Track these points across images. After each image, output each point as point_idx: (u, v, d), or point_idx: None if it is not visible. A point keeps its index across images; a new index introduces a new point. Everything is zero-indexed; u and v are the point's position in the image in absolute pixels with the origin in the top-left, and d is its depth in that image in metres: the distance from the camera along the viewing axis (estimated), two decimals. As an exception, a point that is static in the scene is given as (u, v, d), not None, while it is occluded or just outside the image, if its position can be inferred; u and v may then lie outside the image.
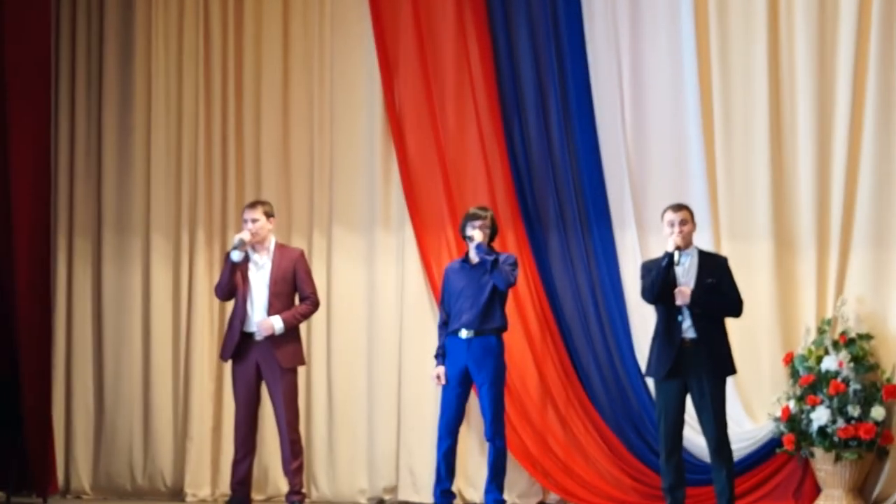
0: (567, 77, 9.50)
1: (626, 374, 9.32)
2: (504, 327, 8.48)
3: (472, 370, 8.40)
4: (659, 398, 8.03)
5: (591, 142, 9.46)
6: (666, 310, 7.96)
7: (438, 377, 8.50)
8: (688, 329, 7.90)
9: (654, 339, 8.06)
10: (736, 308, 8.04)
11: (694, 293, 7.87)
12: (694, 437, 8.67)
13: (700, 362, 7.86)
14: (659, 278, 7.92)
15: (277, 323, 8.52)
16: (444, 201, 9.62)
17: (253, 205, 8.74)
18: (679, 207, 8.05)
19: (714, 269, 7.98)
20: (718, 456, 7.89)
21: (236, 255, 8.59)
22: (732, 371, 8.06)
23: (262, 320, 8.52)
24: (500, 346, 8.44)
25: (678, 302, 7.88)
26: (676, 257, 7.91)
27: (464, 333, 8.40)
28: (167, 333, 9.97)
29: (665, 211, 8.07)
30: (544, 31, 9.53)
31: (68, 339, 10.05)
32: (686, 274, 7.94)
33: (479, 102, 9.58)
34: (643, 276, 8.08)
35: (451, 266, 8.64)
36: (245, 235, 8.59)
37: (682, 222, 7.97)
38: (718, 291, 7.94)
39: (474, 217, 8.43)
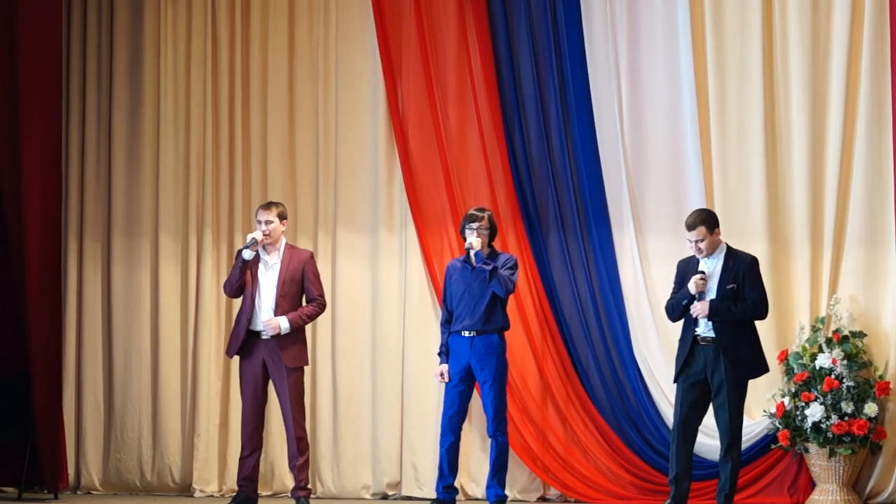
0: (566, 81, 9.58)
1: (625, 371, 9.38)
2: (506, 327, 8.54)
3: (475, 368, 8.46)
4: (678, 393, 8.01)
5: (590, 144, 9.53)
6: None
7: (442, 375, 8.56)
8: (706, 331, 7.89)
9: (679, 341, 8.07)
10: (757, 311, 7.96)
11: (712, 305, 7.83)
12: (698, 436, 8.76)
13: (720, 363, 7.85)
14: (678, 312, 7.99)
15: (284, 323, 8.57)
16: (446, 202, 9.70)
17: (267, 206, 8.76)
18: (693, 225, 7.93)
19: (738, 272, 7.91)
20: (727, 453, 7.90)
21: (248, 254, 8.63)
22: (759, 371, 8.04)
23: (269, 319, 8.57)
24: (503, 344, 8.50)
25: (695, 314, 7.88)
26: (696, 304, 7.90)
27: (466, 333, 8.47)
28: (175, 332, 10.04)
29: (686, 222, 8.02)
30: (544, 36, 9.62)
31: (78, 338, 10.12)
32: (710, 279, 7.91)
33: (481, 106, 9.67)
34: (675, 281, 8.10)
35: (453, 264, 8.68)
36: (258, 235, 8.63)
37: (699, 241, 7.90)
38: (739, 297, 7.88)
39: (472, 219, 8.48)
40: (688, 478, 8.00)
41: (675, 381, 8.01)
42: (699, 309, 7.86)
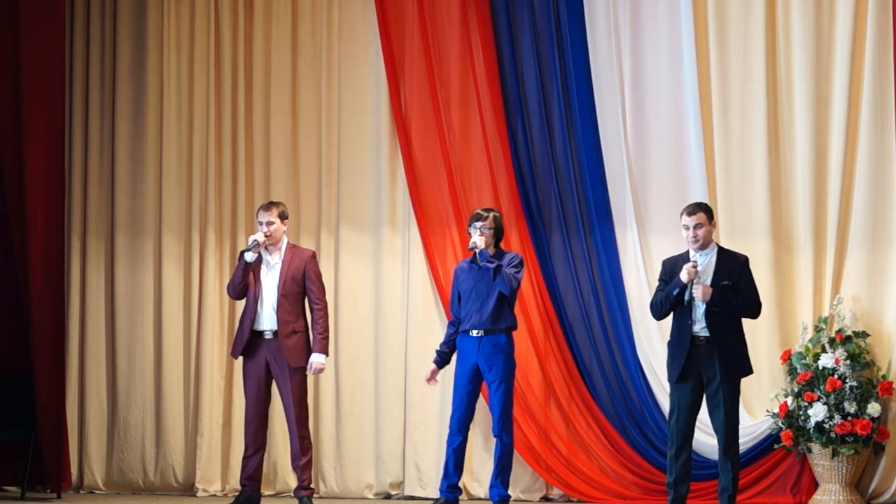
0: (569, 81, 9.60)
1: (628, 370, 9.39)
2: (514, 326, 8.55)
3: (483, 368, 8.47)
4: (673, 395, 8.00)
5: (593, 144, 9.55)
6: (678, 312, 7.96)
7: (431, 376, 8.71)
8: (701, 329, 7.85)
9: (669, 343, 8.03)
10: (752, 309, 7.97)
11: (714, 291, 7.79)
12: (697, 435, 8.72)
13: (714, 362, 7.82)
14: (667, 305, 7.92)
15: (321, 357, 8.62)
16: (449, 202, 9.72)
17: (268, 206, 8.75)
18: (693, 210, 7.95)
19: (732, 269, 7.90)
20: (726, 454, 7.88)
21: (250, 256, 8.64)
22: (747, 372, 8.03)
23: (310, 365, 8.59)
24: (510, 343, 8.52)
25: (697, 298, 7.81)
26: (688, 295, 7.82)
27: (474, 332, 8.50)
28: (178, 332, 10.05)
29: (682, 213, 8.02)
30: (547, 35, 9.64)
31: (82, 338, 10.12)
32: (702, 274, 7.89)
33: (483, 105, 9.68)
34: (661, 278, 8.06)
35: (461, 266, 8.71)
36: (259, 237, 8.63)
37: (697, 226, 7.89)
38: (735, 291, 7.87)
39: (476, 218, 8.50)
40: (686, 481, 8.00)
41: (674, 382, 7.98)
42: (700, 292, 7.81)
